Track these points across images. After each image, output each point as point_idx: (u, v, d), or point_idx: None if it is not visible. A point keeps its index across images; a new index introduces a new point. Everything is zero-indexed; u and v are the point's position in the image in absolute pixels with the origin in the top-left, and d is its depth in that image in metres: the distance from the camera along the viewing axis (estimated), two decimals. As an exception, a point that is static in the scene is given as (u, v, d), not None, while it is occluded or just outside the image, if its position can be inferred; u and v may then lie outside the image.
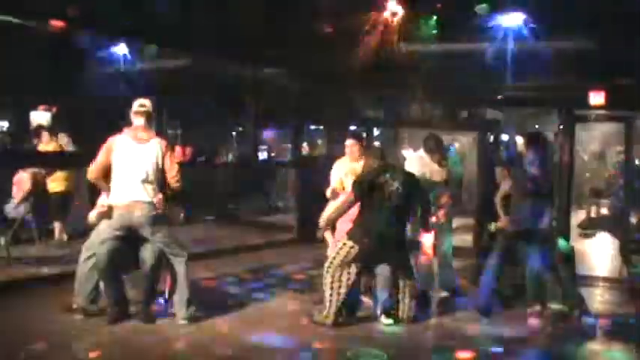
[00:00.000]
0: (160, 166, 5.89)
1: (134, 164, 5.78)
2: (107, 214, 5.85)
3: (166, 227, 5.97)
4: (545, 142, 6.67)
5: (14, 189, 8.69)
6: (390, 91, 11.29)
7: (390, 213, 5.94)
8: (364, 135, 7.31)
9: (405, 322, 6.07)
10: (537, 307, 6.18)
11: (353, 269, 5.94)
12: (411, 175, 6.24)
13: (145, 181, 5.78)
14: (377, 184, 5.94)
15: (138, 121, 5.94)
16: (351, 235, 5.97)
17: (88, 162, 5.93)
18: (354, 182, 6.11)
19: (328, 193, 6.73)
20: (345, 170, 6.66)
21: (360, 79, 10.38)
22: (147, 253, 5.80)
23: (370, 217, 5.96)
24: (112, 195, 5.83)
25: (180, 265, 5.97)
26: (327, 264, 5.99)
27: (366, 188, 5.96)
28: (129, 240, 5.82)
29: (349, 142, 6.74)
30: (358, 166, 6.54)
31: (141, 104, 5.98)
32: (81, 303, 5.94)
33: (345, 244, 5.95)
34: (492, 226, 6.89)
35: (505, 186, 6.56)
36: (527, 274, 6.39)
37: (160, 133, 6.25)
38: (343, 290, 5.92)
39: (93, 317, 5.85)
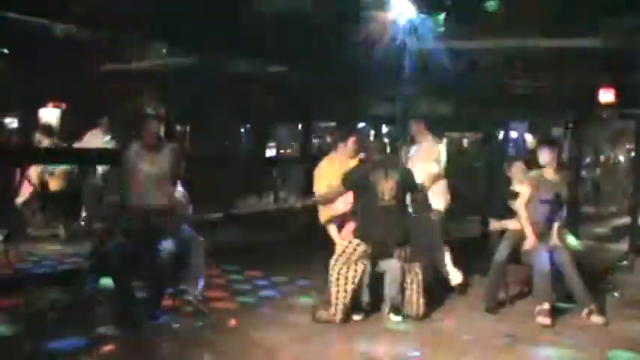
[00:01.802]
0: (172, 172, 5.94)
1: (147, 173, 5.83)
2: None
3: (179, 225, 6.02)
4: (560, 144, 6.67)
5: (23, 186, 8.74)
6: (399, 88, 11.27)
7: (387, 210, 5.94)
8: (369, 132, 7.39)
9: (413, 318, 6.09)
10: (546, 306, 6.14)
11: (359, 266, 5.95)
12: (406, 171, 6.25)
13: (158, 189, 5.82)
14: (368, 183, 5.95)
15: (149, 127, 5.97)
16: (356, 233, 5.98)
17: (98, 160, 5.97)
18: (344, 175, 6.14)
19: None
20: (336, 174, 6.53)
21: (369, 77, 10.38)
22: (158, 252, 5.81)
23: (368, 215, 5.98)
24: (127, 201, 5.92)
25: (196, 257, 6.06)
26: (332, 261, 5.99)
27: (355, 184, 6.00)
28: (140, 240, 5.84)
29: (353, 139, 6.62)
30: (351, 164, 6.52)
31: (149, 109, 6.01)
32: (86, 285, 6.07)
33: (350, 242, 5.96)
34: (492, 225, 6.96)
35: (525, 193, 6.49)
36: (534, 272, 6.36)
37: (168, 132, 6.30)
38: (350, 287, 5.92)
39: (101, 315, 5.90)
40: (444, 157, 7.32)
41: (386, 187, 5.94)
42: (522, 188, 6.56)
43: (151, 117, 6.03)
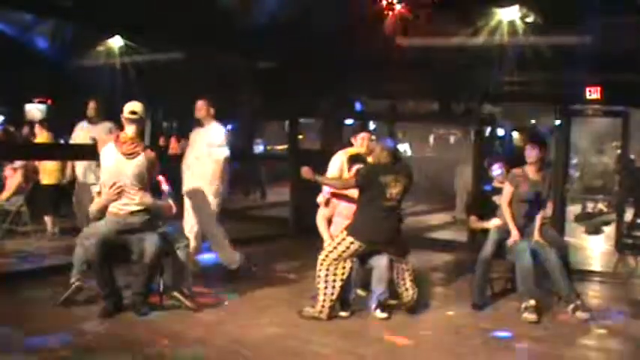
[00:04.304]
0: (147, 176, 5.91)
1: (122, 177, 5.80)
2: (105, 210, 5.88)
3: (162, 222, 6.01)
4: (546, 143, 6.66)
5: (7, 182, 8.67)
6: (387, 85, 11.27)
7: (389, 211, 5.96)
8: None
9: (408, 305, 6.15)
10: (532, 302, 6.17)
11: (348, 263, 5.94)
12: (410, 175, 6.24)
13: (135, 191, 5.80)
14: (379, 183, 5.94)
15: (128, 129, 5.90)
16: (350, 230, 5.96)
17: (81, 155, 5.92)
18: (360, 169, 6.15)
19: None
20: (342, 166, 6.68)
21: (358, 72, 10.37)
22: (145, 246, 5.78)
23: (369, 214, 5.97)
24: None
25: (182, 252, 6.07)
26: (321, 257, 5.97)
27: (367, 181, 5.98)
28: (123, 232, 5.82)
29: (363, 135, 6.75)
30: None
31: (131, 111, 5.89)
32: (73, 279, 6.01)
33: (344, 238, 5.94)
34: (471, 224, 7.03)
35: (507, 191, 6.51)
36: (517, 270, 6.38)
37: (154, 130, 6.25)
38: (338, 284, 5.90)
39: (85, 310, 5.87)
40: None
41: (394, 190, 5.94)
42: (504, 186, 6.58)
43: (129, 118, 5.91)
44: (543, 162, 6.59)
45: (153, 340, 5.29)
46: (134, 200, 5.81)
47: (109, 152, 5.83)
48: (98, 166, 6.07)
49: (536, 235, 6.51)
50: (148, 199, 5.90)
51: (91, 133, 7.87)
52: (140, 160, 5.84)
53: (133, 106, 5.93)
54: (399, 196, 5.99)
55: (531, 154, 6.48)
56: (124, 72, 12.72)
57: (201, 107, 7.28)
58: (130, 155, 5.81)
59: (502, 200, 6.55)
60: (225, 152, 7.17)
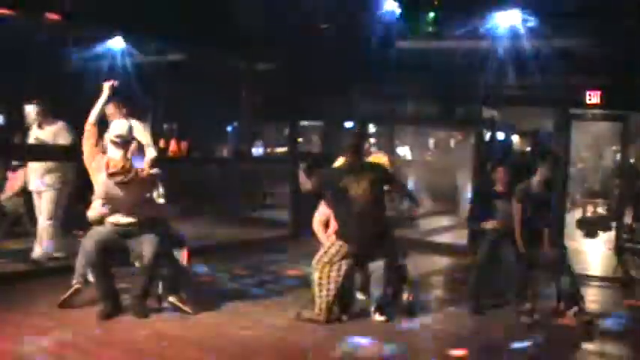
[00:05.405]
0: (144, 190, 5.91)
1: (117, 195, 5.75)
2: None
3: (161, 225, 6.01)
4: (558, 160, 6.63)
5: (7, 183, 8.66)
6: (387, 88, 11.27)
7: (363, 214, 5.91)
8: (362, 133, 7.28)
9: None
10: (527, 306, 6.17)
11: (343, 266, 5.94)
12: (379, 168, 6.23)
13: (133, 204, 5.80)
14: (337, 188, 5.94)
15: (115, 153, 5.67)
16: (339, 234, 5.99)
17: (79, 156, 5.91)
18: (312, 177, 6.23)
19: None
20: None
21: (359, 76, 10.38)
22: (145, 248, 5.77)
23: (345, 219, 5.98)
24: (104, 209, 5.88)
25: (180, 255, 6.12)
26: (314, 261, 5.98)
27: (325, 187, 6.00)
28: (123, 236, 5.82)
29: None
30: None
31: (117, 135, 5.70)
32: (74, 281, 6.02)
33: (333, 242, 5.98)
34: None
35: (517, 208, 6.48)
36: (515, 273, 6.38)
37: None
38: (332, 286, 5.90)
39: (84, 311, 5.87)
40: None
41: (358, 190, 5.92)
42: (513, 204, 6.52)
43: (115, 142, 5.71)
44: (551, 181, 6.62)
45: (151, 343, 5.28)
46: (133, 213, 5.81)
47: (103, 179, 5.68)
48: None
49: (546, 246, 6.48)
50: (147, 211, 5.90)
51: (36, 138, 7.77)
52: (135, 185, 5.77)
53: (119, 129, 5.73)
54: (369, 193, 5.91)
55: (547, 169, 6.48)
56: (125, 73, 12.70)
57: (113, 109, 6.96)
58: (124, 184, 5.72)
59: (515, 219, 6.47)
60: (152, 153, 6.86)
